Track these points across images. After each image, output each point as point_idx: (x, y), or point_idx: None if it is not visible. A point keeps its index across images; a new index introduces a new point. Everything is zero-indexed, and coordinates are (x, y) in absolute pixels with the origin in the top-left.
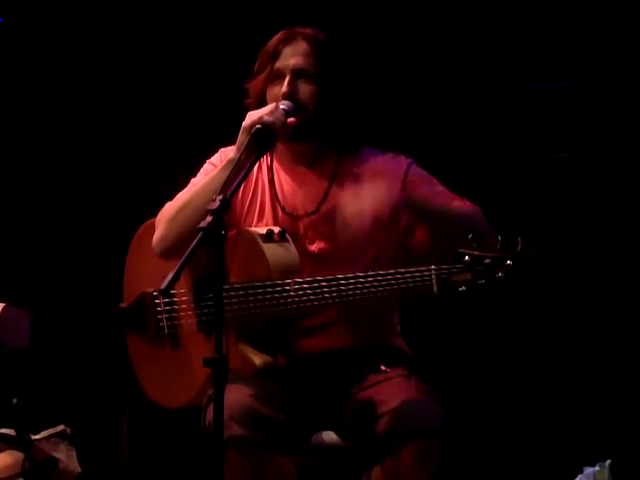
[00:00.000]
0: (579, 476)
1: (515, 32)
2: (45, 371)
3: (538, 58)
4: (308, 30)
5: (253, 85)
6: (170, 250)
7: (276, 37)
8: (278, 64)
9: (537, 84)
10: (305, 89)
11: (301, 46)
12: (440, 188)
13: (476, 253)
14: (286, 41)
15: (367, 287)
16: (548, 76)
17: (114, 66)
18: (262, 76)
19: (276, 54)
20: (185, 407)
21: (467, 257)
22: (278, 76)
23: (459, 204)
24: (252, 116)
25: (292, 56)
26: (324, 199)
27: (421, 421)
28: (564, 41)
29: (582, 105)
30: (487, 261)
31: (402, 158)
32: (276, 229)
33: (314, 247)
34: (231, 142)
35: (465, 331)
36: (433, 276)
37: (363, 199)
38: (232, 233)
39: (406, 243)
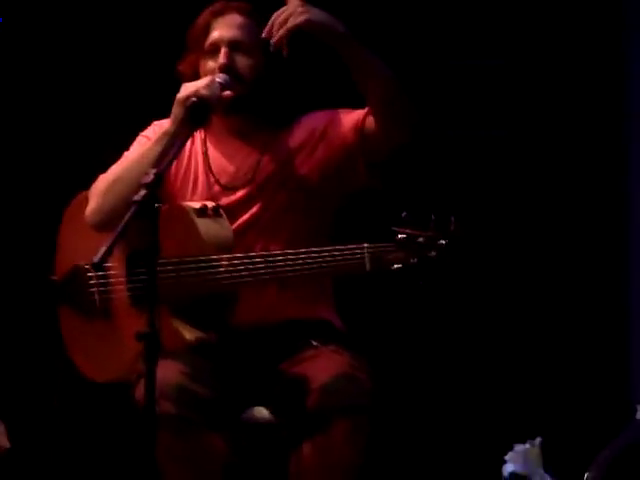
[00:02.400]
0: (509, 453)
1: (447, 6)
2: None
3: (471, 35)
4: (240, 3)
5: (186, 59)
6: (103, 223)
7: (208, 10)
8: (212, 37)
9: (472, 60)
10: (242, 61)
11: (236, 19)
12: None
13: (409, 231)
14: (219, 14)
15: (300, 264)
16: (478, 52)
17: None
18: (195, 49)
19: (209, 27)
20: (115, 381)
21: (400, 235)
22: (213, 49)
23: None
24: (187, 89)
25: (227, 28)
26: (256, 171)
27: (351, 397)
28: (493, 17)
29: (514, 82)
30: (420, 240)
31: (314, 112)
32: (210, 204)
33: (246, 219)
34: (164, 116)
35: (399, 308)
36: (366, 254)
37: (294, 168)
38: (166, 207)
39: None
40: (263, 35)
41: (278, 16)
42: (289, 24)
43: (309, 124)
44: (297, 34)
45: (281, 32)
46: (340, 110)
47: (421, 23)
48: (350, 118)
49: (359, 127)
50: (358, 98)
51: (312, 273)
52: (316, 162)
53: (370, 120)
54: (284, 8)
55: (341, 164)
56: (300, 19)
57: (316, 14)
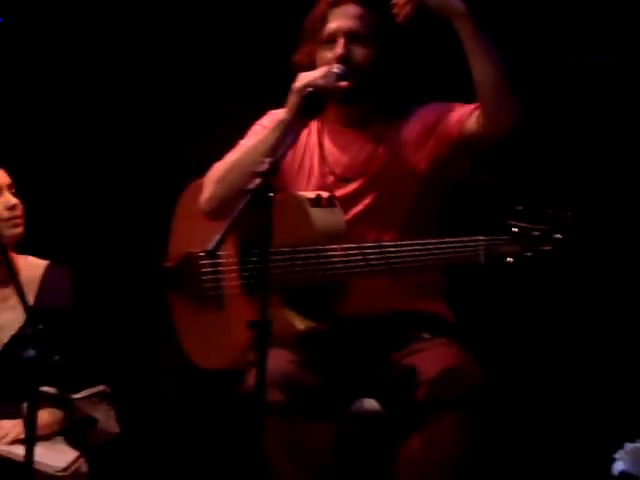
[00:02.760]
0: (619, 452)
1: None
2: (86, 330)
3: (579, 29)
4: None
5: (302, 49)
6: (217, 211)
7: (324, 1)
8: (330, 27)
9: (578, 55)
10: (359, 52)
11: (352, 9)
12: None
13: (525, 225)
14: (335, 4)
15: (414, 255)
16: (589, 48)
17: (154, 30)
18: (312, 40)
19: (326, 18)
20: (225, 369)
21: (515, 228)
22: (330, 40)
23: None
24: (304, 78)
25: (345, 19)
26: (369, 163)
27: (460, 390)
28: (608, 12)
29: (622, 78)
30: (535, 233)
31: (424, 105)
32: (324, 194)
33: (360, 210)
34: (280, 105)
35: (512, 302)
36: (481, 246)
37: (407, 159)
38: (280, 197)
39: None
40: (392, 11)
41: None
42: None
43: (422, 117)
44: (417, 18)
45: (407, 7)
46: (453, 104)
47: (535, 16)
48: (457, 112)
49: (463, 120)
50: (471, 89)
51: (426, 264)
52: (426, 156)
53: (475, 114)
54: None
55: (447, 158)
56: None
57: None
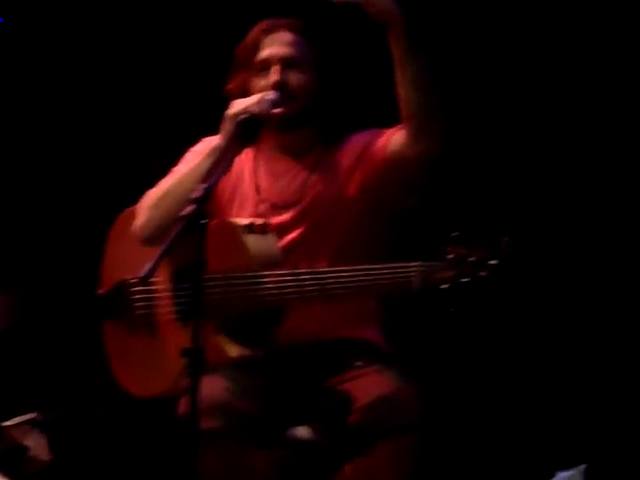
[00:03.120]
0: None
1: None
2: (19, 356)
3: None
4: (289, 20)
5: (235, 77)
6: (151, 238)
7: (257, 28)
8: (263, 55)
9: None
10: (295, 78)
11: (286, 36)
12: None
13: (460, 251)
14: (268, 31)
15: (347, 281)
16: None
17: (99, 59)
18: (245, 68)
19: (258, 45)
20: (158, 397)
21: (451, 255)
22: (263, 67)
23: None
24: (237, 105)
25: (279, 46)
26: (303, 191)
27: (395, 418)
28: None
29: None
30: (471, 259)
31: (362, 134)
32: (258, 221)
33: (293, 238)
34: (213, 133)
35: (448, 327)
36: (415, 272)
37: (338, 187)
38: (213, 223)
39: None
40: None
41: None
42: None
43: (353, 145)
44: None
45: None
46: (384, 130)
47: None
48: (384, 136)
49: (387, 142)
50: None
51: (360, 290)
52: (357, 183)
53: (399, 134)
54: None
55: (376, 184)
56: None
57: None
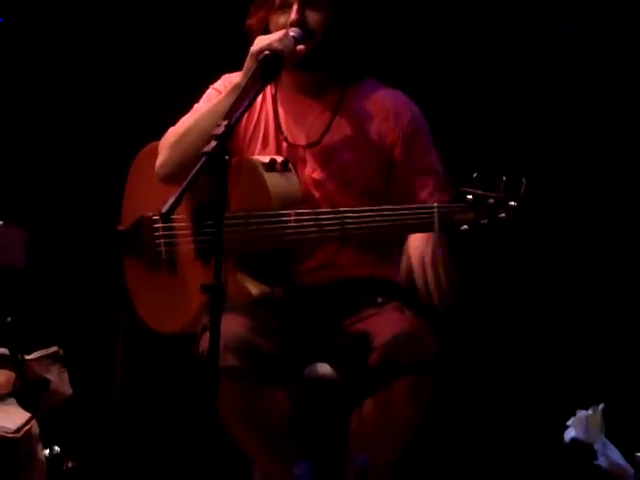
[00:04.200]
0: (572, 419)
1: None
2: (40, 291)
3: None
4: None
5: (255, 14)
6: (173, 175)
7: None
8: None
9: (545, 23)
10: (314, 17)
11: None
12: (421, 164)
13: (480, 192)
14: None
15: (369, 221)
16: (556, 17)
17: None
18: (264, 5)
19: None
20: (179, 333)
21: (470, 196)
22: (283, 5)
23: (420, 195)
24: (261, 42)
25: None
26: (327, 130)
27: (413, 355)
28: None
29: (587, 47)
30: (490, 201)
31: (409, 105)
32: (279, 159)
33: (316, 177)
34: (234, 69)
35: (466, 272)
36: (435, 213)
37: (364, 133)
38: (235, 161)
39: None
40: None
41: None
42: None
43: (381, 102)
44: None
45: None
46: (424, 145)
47: None
48: (416, 168)
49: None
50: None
51: (381, 230)
52: (384, 138)
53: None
54: None
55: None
56: None
57: None
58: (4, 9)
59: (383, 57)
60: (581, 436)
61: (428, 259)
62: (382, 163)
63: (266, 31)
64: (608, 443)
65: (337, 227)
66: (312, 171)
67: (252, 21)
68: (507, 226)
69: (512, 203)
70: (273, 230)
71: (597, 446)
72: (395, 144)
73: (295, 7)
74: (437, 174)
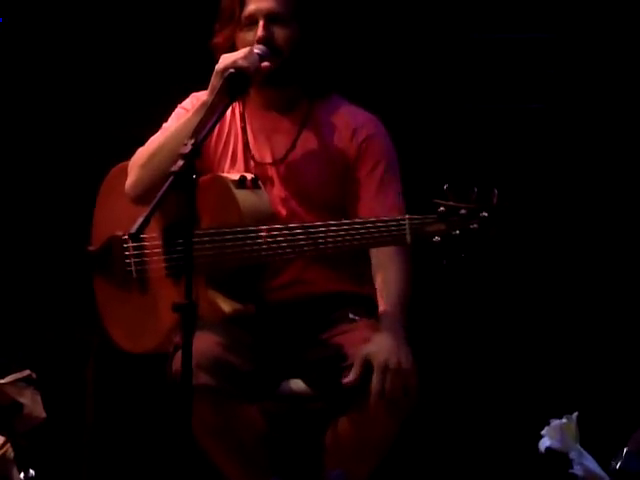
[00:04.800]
0: (546, 428)
1: None
2: (11, 315)
3: (513, 8)
4: None
5: (221, 31)
6: (143, 195)
7: None
8: (249, 9)
9: (512, 34)
10: (280, 33)
11: None
12: (374, 184)
13: (451, 203)
14: None
15: (341, 235)
16: (523, 26)
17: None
18: (231, 22)
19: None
20: (151, 353)
21: (442, 207)
22: (249, 22)
23: (373, 212)
24: (226, 60)
25: (263, 0)
26: (292, 147)
27: None
28: None
29: (556, 57)
30: (462, 212)
31: (368, 121)
32: (249, 176)
33: (281, 194)
34: (202, 87)
35: (440, 283)
36: (407, 226)
37: (327, 148)
38: (205, 179)
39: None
40: None
41: None
42: None
43: (347, 119)
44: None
45: None
46: (374, 141)
47: None
48: (369, 189)
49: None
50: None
51: (353, 245)
52: (343, 154)
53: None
54: None
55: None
56: None
57: None
58: (4, 9)
59: (349, 72)
60: (556, 445)
61: (392, 366)
62: (342, 178)
63: (232, 49)
64: (583, 452)
65: (309, 242)
66: (277, 189)
67: (219, 39)
68: (479, 236)
69: (484, 213)
70: (245, 246)
71: (572, 455)
72: (351, 158)
73: (261, 24)
74: (390, 191)
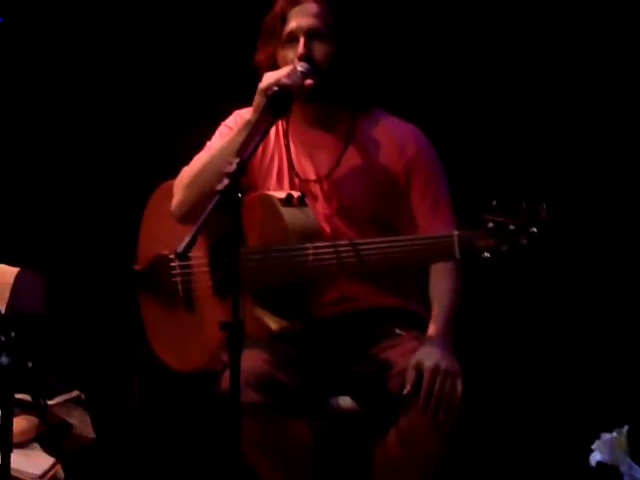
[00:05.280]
0: (596, 442)
1: None
2: (60, 336)
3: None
4: None
5: (263, 49)
6: (189, 215)
7: (282, 0)
8: (290, 27)
9: (559, 46)
10: (320, 50)
11: (311, 7)
12: (428, 195)
13: (500, 219)
14: (294, 3)
15: (387, 252)
16: (569, 39)
17: (122, 25)
18: (273, 40)
19: (285, 17)
20: (198, 371)
21: (490, 223)
22: (290, 39)
23: (432, 227)
24: (269, 78)
25: (304, 17)
26: (337, 164)
27: None
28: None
29: (596, 69)
30: (511, 227)
31: (415, 136)
32: (295, 193)
33: (326, 211)
34: (245, 104)
35: (486, 298)
36: (456, 241)
37: (372, 164)
38: (251, 197)
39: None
40: None
41: None
42: None
43: (394, 134)
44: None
45: None
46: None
47: (505, 10)
48: (421, 207)
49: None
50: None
51: (401, 261)
52: (392, 170)
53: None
54: None
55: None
56: None
57: None
58: (4, 9)
59: (391, 86)
60: (606, 459)
61: (441, 369)
62: (389, 194)
63: (274, 66)
64: (634, 465)
65: (355, 259)
66: (321, 205)
67: (260, 57)
68: (528, 251)
69: (533, 229)
70: (292, 264)
71: (623, 468)
72: (401, 175)
73: (302, 41)
74: (444, 205)
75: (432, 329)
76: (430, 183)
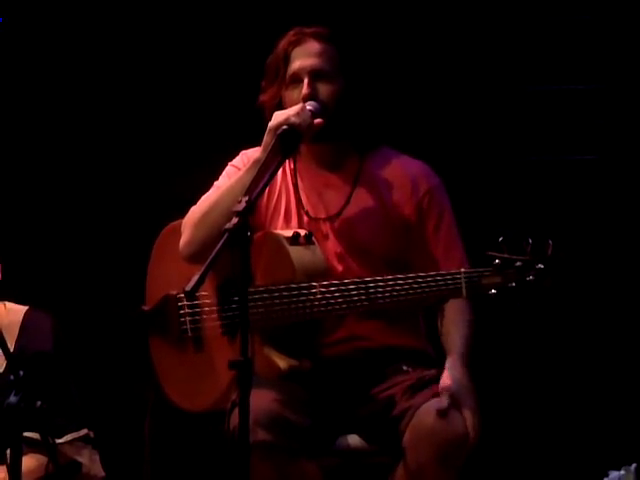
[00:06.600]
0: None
1: (541, 32)
2: (68, 374)
3: (563, 59)
4: (316, 29)
5: (267, 90)
6: (197, 254)
7: (285, 40)
8: (293, 67)
9: (562, 85)
10: (325, 89)
11: (314, 46)
12: (439, 234)
13: (506, 256)
14: (297, 43)
15: (396, 290)
16: (573, 77)
17: (126, 68)
18: (277, 81)
19: (288, 57)
20: (208, 411)
21: (497, 260)
22: (295, 79)
23: (446, 264)
24: (278, 117)
25: (307, 58)
26: (347, 203)
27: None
28: (590, 42)
29: (607, 107)
30: (518, 264)
31: (426, 174)
32: (302, 232)
33: (337, 250)
34: (251, 144)
35: (494, 334)
36: (462, 280)
37: (383, 203)
38: (258, 236)
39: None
40: None
41: None
42: None
43: (404, 172)
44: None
45: None
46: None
47: (512, 46)
48: (437, 246)
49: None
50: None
51: (408, 300)
52: (402, 208)
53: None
54: None
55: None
56: None
57: None
58: (4, 9)
59: (397, 124)
60: None
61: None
62: (401, 232)
63: (279, 106)
64: None
65: (363, 297)
66: (333, 244)
67: (265, 97)
68: (535, 288)
69: (540, 265)
70: (299, 303)
71: None
72: (412, 214)
73: (306, 81)
74: (457, 241)
75: (450, 363)
76: (443, 220)
